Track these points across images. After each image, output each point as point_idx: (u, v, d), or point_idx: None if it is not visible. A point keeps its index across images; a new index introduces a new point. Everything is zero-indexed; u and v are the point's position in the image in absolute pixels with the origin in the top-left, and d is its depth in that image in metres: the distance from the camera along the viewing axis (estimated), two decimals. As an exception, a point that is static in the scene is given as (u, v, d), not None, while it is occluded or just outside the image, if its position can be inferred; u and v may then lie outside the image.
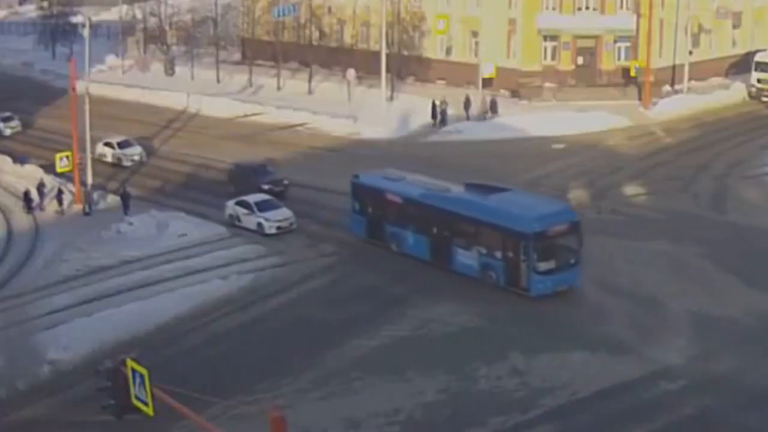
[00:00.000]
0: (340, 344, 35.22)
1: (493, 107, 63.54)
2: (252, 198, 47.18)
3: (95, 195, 51.08)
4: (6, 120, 66.61)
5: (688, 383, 31.76)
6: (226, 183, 52.06)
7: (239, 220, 46.71)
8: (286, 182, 50.91)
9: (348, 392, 32.26)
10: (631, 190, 50.95)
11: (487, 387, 32.17)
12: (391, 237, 42.63)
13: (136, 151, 58.61)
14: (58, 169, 50.91)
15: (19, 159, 58.32)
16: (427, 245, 41.13)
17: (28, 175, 55.18)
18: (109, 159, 57.94)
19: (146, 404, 19.42)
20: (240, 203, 47.13)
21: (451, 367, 33.17)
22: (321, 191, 51.14)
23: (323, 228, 46.41)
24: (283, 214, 46.39)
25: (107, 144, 58.41)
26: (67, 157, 50.62)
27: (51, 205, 50.61)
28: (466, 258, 39.49)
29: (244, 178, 50.93)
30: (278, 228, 45.75)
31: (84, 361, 34.12)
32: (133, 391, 19.56)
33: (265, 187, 49.44)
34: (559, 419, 30.16)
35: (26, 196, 50.14)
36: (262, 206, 46.63)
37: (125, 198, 49.47)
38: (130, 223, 47.10)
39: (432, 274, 41.02)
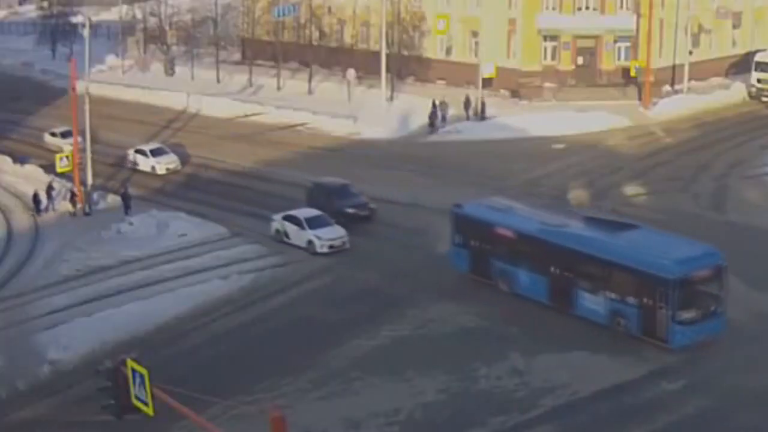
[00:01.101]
0: (340, 344, 35.23)
1: (483, 110, 63.30)
2: (302, 213, 44.60)
3: (95, 195, 51.07)
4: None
5: (688, 383, 31.77)
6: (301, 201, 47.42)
7: (287, 236, 44.19)
8: (372, 206, 46.87)
9: (348, 392, 32.27)
10: (631, 190, 50.96)
11: (487, 387, 32.17)
12: (499, 274, 38.36)
13: (171, 159, 56.18)
14: (58, 169, 50.86)
15: (19, 159, 58.32)
16: (544, 286, 36.69)
17: (28, 175, 55.22)
18: (142, 167, 56.22)
19: (146, 404, 19.42)
20: (289, 218, 44.43)
21: (451, 367, 33.17)
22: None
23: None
24: (336, 232, 43.68)
25: (139, 151, 56.80)
26: (67, 157, 50.59)
27: (61, 207, 50.34)
28: (592, 302, 35.16)
29: (323, 199, 46.64)
30: (331, 247, 43.17)
31: (84, 361, 34.13)
32: (133, 391, 19.57)
33: (350, 211, 45.93)
34: (559, 419, 30.17)
35: (35, 198, 49.88)
36: (314, 222, 43.85)
37: (126, 198, 49.41)
38: (130, 223, 47.11)
39: (432, 274, 41.05)
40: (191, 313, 38.27)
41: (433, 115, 61.96)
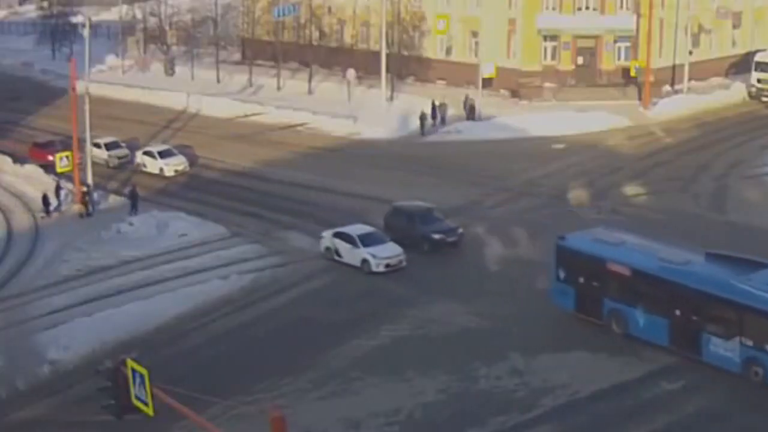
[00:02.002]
0: (340, 344, 35.22)
1: (472, 111, 63.27)
2: (354, 230, 42.10)
3: (95, 195, 51.04)
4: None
5: (688, 383, 31.76)
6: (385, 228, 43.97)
7: (338, 254, 41.83)
8: (460, 230, 43.63)
9: (348, 392, 32.26)
10: (631, 190, 50.94)
11: (487, 387, 32.17)
12: (611, 314, 34.69)
13: (179, 161, 55.68)
14: (58, 169, 50.84)
15: (19, 159, 58.31)
16: (665, 329, 33.24)
17: (28, 175, 55.23)
18: (150, 169, 55.74)
19: (146, 404, 19.42)
20: (340, 235, 41.98)
21: (451, 367, 33.17)
22: (321, 191, 51.15)
23: (323, 228, 46.29)
24: (392, 249, 41.28)
25: (147, 153, 56.45)
26: (67, 157, 50.56)
27: (72, 208, 50.13)
28: (723, 349, 31.89)
29: (405, 225, 43.55)
30: (387, 266, 40.80)
31: (84, 361, 34.13)
32: (133, 391, 19.57)
33: (436, 237, 42.65)
34: (559, 419, 30.16)
35: (45, 199, 49.80)
36: (368, 240, 41.41)
37: (134, 197, 49.19)
38: (130, 224, 47.10)
39: (431, 274, 41.04)
40: (191, 313, 38.27)
41: (423, 118, 61.63)
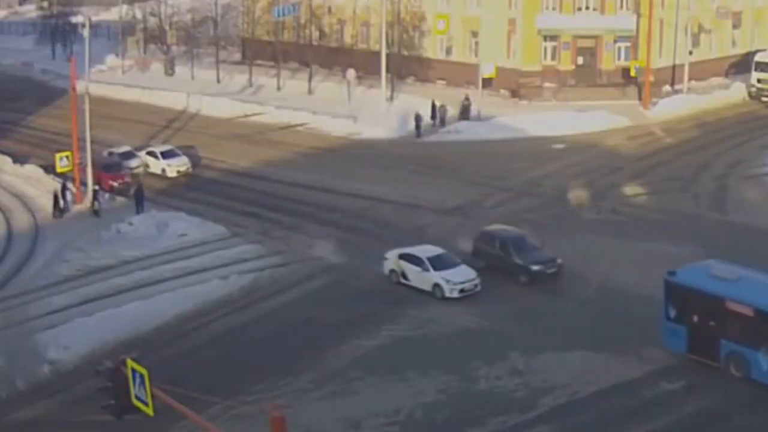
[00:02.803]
0: (340, 344, 35.21)
1: (465, 112, 63.25)
2: (423, 251, 39.11)
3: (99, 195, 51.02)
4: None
5: (688, 383, 31.75)
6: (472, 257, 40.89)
7: (405, 278, 39.04)
8: (559, 261, 39.95)
9: (348, 392, 32.25)
10: (631, 190, 50.94)
11: (487, 387, 32.16)
12: (729, 357, 31.84)
13: (182, 162, 55.34)
14: (58, 169, 50.84)
15: (19, 159, 58.30)
16: None
17: (28, 175, 55.20)
18: (152, 169, 55.31)
19: (146, 404, 19.42)
20: (407, 257, 39.04)
21: (451, 367, 33.16)
22: (321, 191, 51.14)
23: (324, 228, 46.36)
24: (466, 273, 38.39)
25: (150, 153, 56.21)
26: (67, 157, 50.56)
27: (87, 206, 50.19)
28: None
29: (498, 252, 40.19)
30: (461, 291, 37.95)
31: (84, 361, 34.11)
32: (133, 391, 19.57)
33: (535, 268, 39.09)
34: (559, 419, 30.16)
35: (56, 199, 49.58)
36: (438, 262, 38.53)
37: (139, 196, 49.04)
38: (130, 223, 47.07)
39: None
40: (191, 313, 38.25)
41: (418, 119, 61.53)
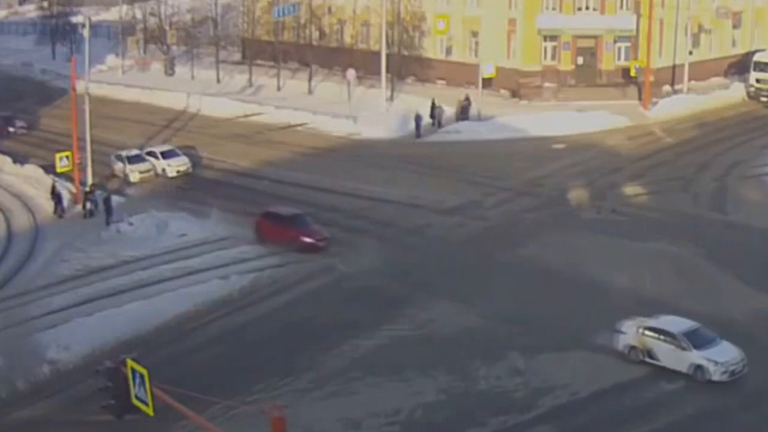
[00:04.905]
0: (340, 344, 35.21)
1: (464, 112, 63.21)
2: (672, 324, 33.00)
3: (96, 195, 50.99)
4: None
5: (688, 383, 31.76)
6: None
7: (651, 356, 32.78)
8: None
9: (348, 392, 32.26)
10: (631, 190, 50.95)
11: (487, 387, 32.17)
12: None
13: (182, 162, 55.16)
14: (58, 169, 50.82)
15: (19, 159, 58.29)
16: None
17: (28, 175, 55.19)
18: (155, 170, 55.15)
19: (146, 404, 19.42)
20: (655, 332, 32.85)
21: (451, 367, 33.17)
22: (321, 191, 51.14)
23: (324, 228, 46.31)
24: (730, 351, 32.17)
25: (150, 153, 55.91)
26: (66, 157, 50.56)
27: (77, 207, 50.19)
28: None
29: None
30: (732, 374, 31.71)
31: (84, 361, 34.12)
32: (133, 391, 19.57)
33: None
34: (559, 419, 30.17)
35: (59, 199, 49.49)
36: (696, 338, 32.43)
37: (108, 205, 48.13)
38: (130, 223, 47.06)
39: (432, 274, 41.06)
40: (191, 313, 38.25)
41: (418, 119, 61.49)
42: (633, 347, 33.04)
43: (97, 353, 33.89)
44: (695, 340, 32.21)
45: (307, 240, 43.66)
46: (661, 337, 32.61)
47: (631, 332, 33.19)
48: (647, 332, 32.85)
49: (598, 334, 34.40)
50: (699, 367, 31.72)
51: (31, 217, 49.67)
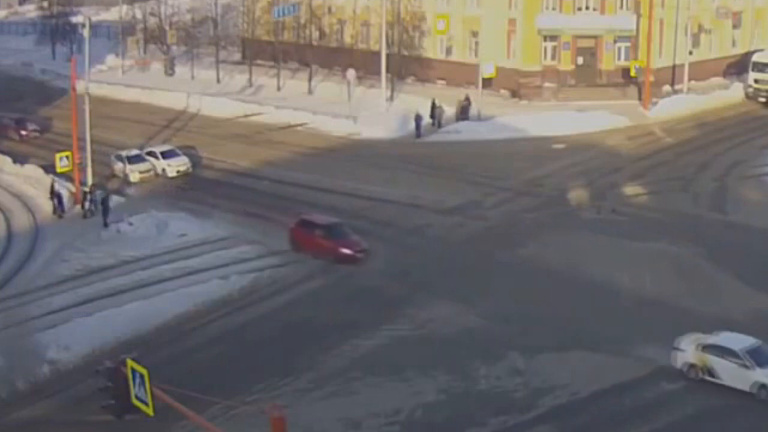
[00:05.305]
0: (340, 344, 35.21)
1: (464, 112, 63.16)
2: (733, 342, 31.68)
3: (96, 194, 50.98)
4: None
5: (688, 383, 31.75)
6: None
7: (711, 374, 31.60)
8: None
9: (348, 392, 32.27)
10: (631, 190, 50.94)
11: (487, 387, 32.18)
12: None
13: (182, 162, 55.09)
14: (58, 170, 50.81)
15: (19, 159, 58.28)
16: None
17: (28, 175, 55.19)
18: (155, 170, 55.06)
19: (146, 404, 19.42)
20: (716, 350, 31.56)
21: (451, 367, 33.18)
22: (321, 191, 51.13)
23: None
24: None
25: (150, 153, 55.85)
26: (66, 157, 50.55)
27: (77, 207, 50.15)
28: None
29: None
30: None
31: (84, 361, 34.14)
32: (133, 391, 19.57)
33: None
34: (559, 419, 30.18)
35: (60, 199, 49.53)
36: (759, 356, 31.14)
37: (105, 206, 48.01)
38: (130, 223, 47.06)
39: (432, 274, 41.04)
40: (191, 313, 38.26)
41: (418, 119, 61.48)
42: (692, 365, 31.88)
43: (97, 353, 33.91)
44: (758, 358, 31.02)
45: (346, 251, 41.92)
46: (723, 355, 31.38)
47: (690, 350, 31.98)
48: (707, 350, 31.69)
49: (646, 347, 33.64)
50: (763, 386, 30.55)
51: (31, 217, 49.68)
